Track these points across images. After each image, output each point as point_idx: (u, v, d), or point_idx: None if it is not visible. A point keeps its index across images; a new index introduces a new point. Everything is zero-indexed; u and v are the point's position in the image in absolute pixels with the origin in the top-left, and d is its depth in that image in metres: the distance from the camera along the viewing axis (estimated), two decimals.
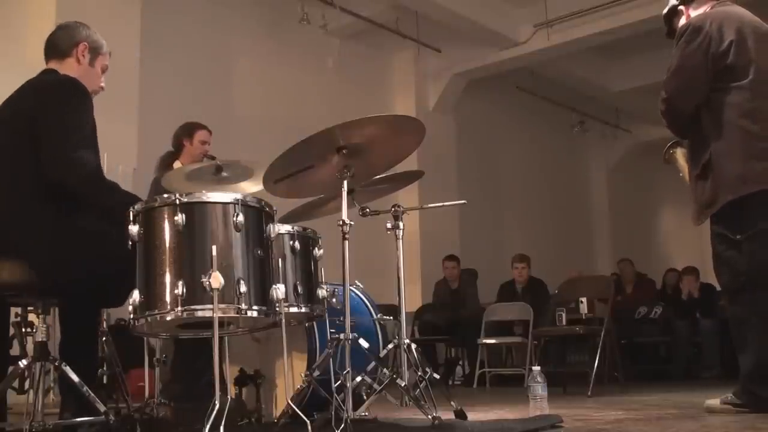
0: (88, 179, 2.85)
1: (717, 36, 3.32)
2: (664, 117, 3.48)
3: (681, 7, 3.62)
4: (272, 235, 2.81)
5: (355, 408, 2.87)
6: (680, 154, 3.68)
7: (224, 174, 3.37)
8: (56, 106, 2.88)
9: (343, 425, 2.66)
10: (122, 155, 5.67)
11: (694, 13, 3.53)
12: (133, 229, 2.68)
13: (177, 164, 4.45)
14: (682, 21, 3.57)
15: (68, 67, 3.04)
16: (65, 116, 2.86)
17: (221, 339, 2.76)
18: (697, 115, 3.40)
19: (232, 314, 2.65)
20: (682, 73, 3.40)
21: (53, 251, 2.76)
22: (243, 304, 2.64)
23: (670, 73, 3.43)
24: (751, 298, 3.25)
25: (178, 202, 2.66)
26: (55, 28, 3.18)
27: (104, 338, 3.88)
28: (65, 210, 2.83)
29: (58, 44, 3.09)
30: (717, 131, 3.33)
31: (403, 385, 3.04)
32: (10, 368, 2.93)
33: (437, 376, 3.29)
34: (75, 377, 2.71)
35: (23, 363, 2.79)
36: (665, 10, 3.70)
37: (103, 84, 3.18)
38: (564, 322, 5.75)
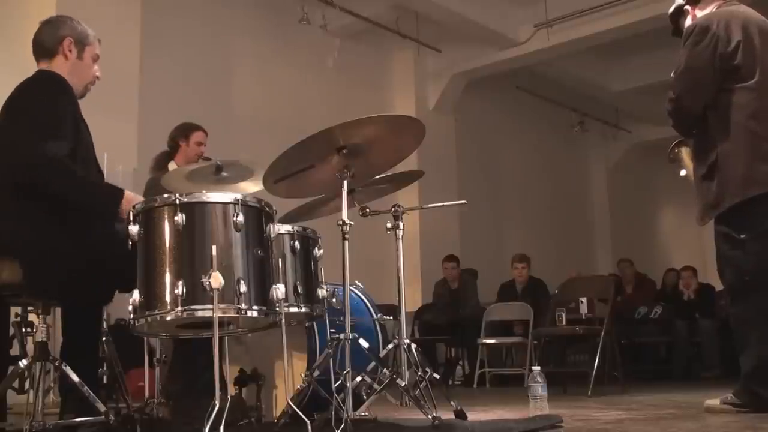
0: (47, 170, 2.78)
1: (724, 36, 3.32)
2: (671, 117, 3.48)
3: (687, 7, 3.62)
4: (272, 235, 2.81)
5: (355, 408, 2.87)
6: (685, 153, 3.68)
7: (224, 174, 3.37)
8: (21, 100, 2.87)
9: (343, 425, 2.66)
10: (122, 155, 5.66)
11: (700, 13, 3.53)
12: (133, 229, 2.68)
13: (172, 165, 4.45)
14: (688, 21, 3.57)
15: (58, 65, 3.02)
16: (28, 108, 2.84)
17: (221, 339, 2.76)
18: (703, 115, 3.41)
19: (232, 314, 2.65)
20: (690, 74, 3.40)
21: (42, 250, 2.75)
22: (243, 304, 2.64)
23: (678, 74, 3.43)
24: (755, 298, 3.25)
25: (178, 202, 2.67)
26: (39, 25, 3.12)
27: (104, 338, 3.87)
28: (52, 209, 2.80)
29: (43, 44, 3.05)
30: (724, 132, 3.33)
31: (403, 385, 3.04)
32: (10, 368, 2.93)
33: (437, 376, 3.28)
34: (75, 377, 2.71)
35: (23, 363, 2.79)
36: (671, 10, 3.70)
37: (98, 73, 3.13)
38: (564, 322, 5.74)
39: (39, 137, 2.78)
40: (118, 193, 2.88)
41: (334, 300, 3.22)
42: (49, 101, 2.87)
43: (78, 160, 2.89)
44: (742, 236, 3.28)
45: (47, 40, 3.05)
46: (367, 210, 3.50)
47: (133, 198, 2.86)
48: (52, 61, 3.03)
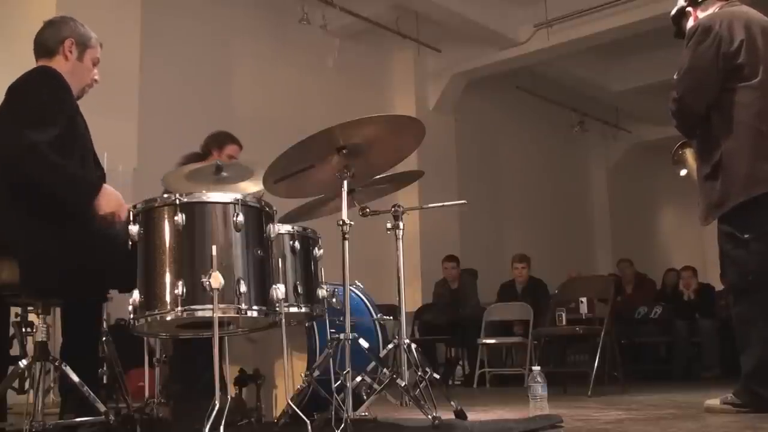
0: (25, 158, 2.73)
1: (727, 36, 3.33)
2: (674, 117, 3.48)
3: (689, 9, 3.62)
4: (272, 235, 2.82)
5: (355, 408, 2.87)
6: (689, 154, 3.68)
7: (224, 174, 3.37)
8: (12, 92, 2.86)
9: (343, 425, 2.66)
10: (122, 155, 5.66)
11: (702, 14, 3.53)
12: (133, 229, 2.68)
13: None
14: (690, 22, 3.57)
15: (57, 65, 3.00)
16: (17, 98, 2.83)
17: (221, 339, 2.76)
18: (707, 115, 3.41)
19: (232, 314, 2.66)
20: (693, 73, 3.40)
21: (38, 250, 2.74)
22: (243, 304, 2.64)
23: (682, 74, 3.43)
24: (757, 298, 3.26)
25: (178, 202, 2.67)
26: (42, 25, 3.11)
27: (104, 338, 3.87)
28: (49, 207, 2.78)
29: (45, 43, 3.04)
30: (728, 131, 3.34)
31: (403, 385, 3.04)
32: (10, 368, 2.93)
33: (437, 376, 3.28)
34: (75, 377, 2.70)
35: (23, 363, 2.79)
36: (673, 11, 3.70)
37: (96, 77, 3.12)
38: (564, 322, 5.74)
39: (20, 125, 2.75)
40: (93, 186, 2.83)
41: (334, 300, 3.22)
42: (38, 91, 2.85)
43: (66, 150, 2.82)
44: (746, 236, 3.28)
45: (49, 40, 3.04)
46: (367, 210, 3.50)
47: (111, 194, 2.82)
48: (52, 60, 3.02)
